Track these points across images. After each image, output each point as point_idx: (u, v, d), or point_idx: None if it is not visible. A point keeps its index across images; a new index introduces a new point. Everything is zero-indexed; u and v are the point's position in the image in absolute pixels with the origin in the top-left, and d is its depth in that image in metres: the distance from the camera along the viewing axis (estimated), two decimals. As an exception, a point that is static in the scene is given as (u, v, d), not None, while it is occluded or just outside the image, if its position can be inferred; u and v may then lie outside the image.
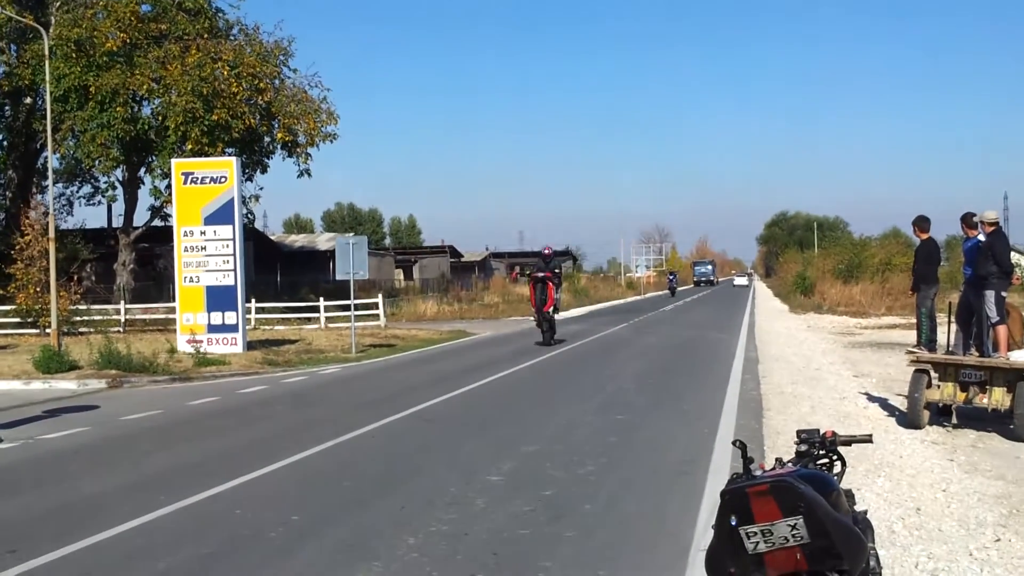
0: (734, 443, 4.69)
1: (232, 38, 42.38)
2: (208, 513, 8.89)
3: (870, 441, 5.24)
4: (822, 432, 4.79)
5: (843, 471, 4.80)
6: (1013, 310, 14.00)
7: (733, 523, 3.83)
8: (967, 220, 14.22)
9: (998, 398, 13.02)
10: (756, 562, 3.81)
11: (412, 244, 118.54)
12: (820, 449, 4.73)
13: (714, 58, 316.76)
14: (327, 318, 40.81)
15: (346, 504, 9.10)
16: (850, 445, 4.89)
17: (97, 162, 39.75)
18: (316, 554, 7.50)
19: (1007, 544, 7.65)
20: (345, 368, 23.74)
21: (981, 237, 13.91)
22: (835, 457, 4.79)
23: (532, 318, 29.92)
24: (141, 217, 44.00)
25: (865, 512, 4.82)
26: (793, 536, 3.74)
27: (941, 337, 15.33)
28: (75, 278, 34.81)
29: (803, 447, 4.72)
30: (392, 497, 9.37)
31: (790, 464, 4.52)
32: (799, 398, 16.08)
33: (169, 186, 36.01)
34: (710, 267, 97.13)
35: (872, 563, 4.45)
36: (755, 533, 3.78)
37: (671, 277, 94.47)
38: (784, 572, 3.82)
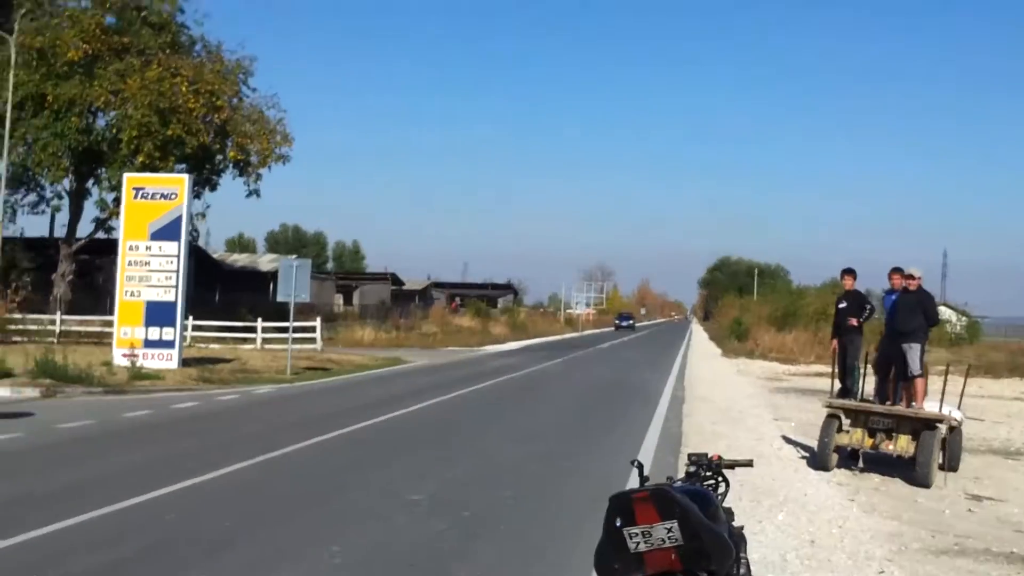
0: (632, 463, 5.25)
1: (195, 54, 42.50)
2: (141, 517, 9.22)
3: (751, 466, 5.85)
4: (710, 456, 5.38)
5: (727, 490, 5.37)
6: (924, 365, 14.68)
7: (618, 524, 4.35)
8: (896, 274, 14.85)
9: (903, 445, 13.68)
10: (637, 560, 4.33)
11: (354, 269, 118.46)
12: (707, 471, 5.31)
13: (668, 100, 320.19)
14: (264, 339, 40.89)
15: (273, 515, 9.49)
16: (733, 468, 5.47)
17: (47, 171, 39.57)
18: (244, 558, 7.90)
19: (889, 576, 8.22)
20: (279, 389, 24.02)
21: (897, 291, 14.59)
22: (720, 478, 5.36)
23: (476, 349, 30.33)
24: (84, 228, 43.89)
25: (741, 527, 5.38)
26: (669, 538, 4.26)
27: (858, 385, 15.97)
28: (13, 286, 34.69)
29: (692, 468, 5.30)
30: (318, 510, 9.78)
31: (679, 482, 5.07)
32: (718, 436, 16.66)
33: (116, 199, 36.15)
34: (630, 320, 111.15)
35: (743, 570, 5.01)
36: (636, 534, 4.30)
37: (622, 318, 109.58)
38: (660, 570, 4.33)
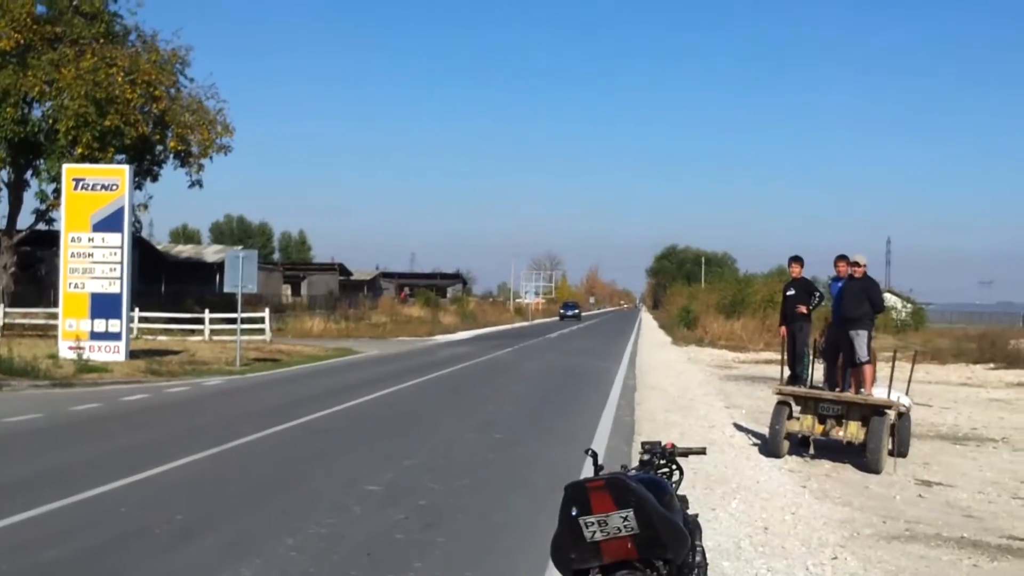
0: (586, 451, 5.27)
1: (129, 44, 41.95)
2: (94, 511, 9.15)
3: (704, 453, 5.91)
4: (663, 444, 5.40)
5: (680, 478, 5.40)
6: (871, 351, 14.84)
7: (574, 513, 4.37)
8: (840, 261, 14.98)
9: (853, 431, 13.83)
10: (593, 550, 4.35)
11: (301, 260, 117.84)
12: (660, 459, 5.33)
13: (612, 91, 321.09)
14: (212, 330, 40.59)
15: (229, 506, 9.44)
16: (687, 456, 5.52)
17: (-17, 162, 38.98)
18: (200, 550, 7.85)
19: (842, 562, 8.31)
20: (229, 380, 23.85)
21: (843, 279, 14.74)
22: (674, 466, 5.39)
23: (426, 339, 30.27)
24: (25, 220, 43.23)
25: (696, 515, 5.42)
26: (625, 527, 4.29)
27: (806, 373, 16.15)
28: (-47, 279, 34.16)
29: (646, 456, 5.32)
30: (274, 502, 9.74)
31: (633, 471, 5.09)
32: (670, 425, 16.77)
33: (56, 190, 35.68)
34: (576, 310, 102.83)
35: (699, 558, 5.05)
36: (592, 523, 4.32)
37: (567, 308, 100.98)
38: (617, 558, 4.36)
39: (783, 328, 16.55)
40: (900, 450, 14.28)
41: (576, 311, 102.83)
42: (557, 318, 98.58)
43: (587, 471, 11.61)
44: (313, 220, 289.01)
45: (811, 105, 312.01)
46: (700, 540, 5.21)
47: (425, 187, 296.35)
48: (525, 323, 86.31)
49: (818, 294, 16.49)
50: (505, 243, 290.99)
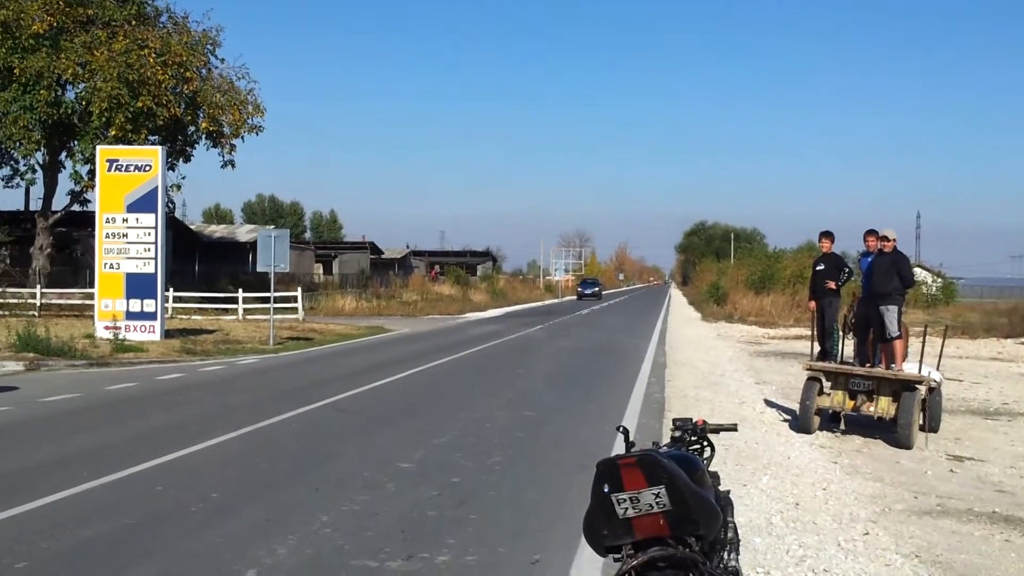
0: (618, 428, 5.32)
1: (160, 25, 42.19)
2: (130, 489, 9.28)
3: (735, 430, 5.94)
4: (694, 420, 5.44)
5: (712, 455, 5.44)
6: (903, 326, 14.79)
7: (606, 490, 4.41)
8: (870, 236, 14.91)
9: (884, 407, 13.82)
10: (626, 526, 4.39)
11: (333, 239, 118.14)
12: (692, 435, 5.37)
13: (642, 70, 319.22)
14: (245, 309, 40.91)
15: (263, 485, 9.55)
16: (718, 433, 5.55)
17: (18, 144, 39.33)
18: (234, 528, 7.96)
19: (874, 537, 8.34)
20: (263, 359, 24.05)
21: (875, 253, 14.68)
22: (705, 443, 5.43)
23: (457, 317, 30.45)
24: (60, 201, 43.65)
25: (728, 492, 5.45)
26: (657, 503, 4.32)
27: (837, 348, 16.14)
28: (-10, 260, 34.57)
29: (677, 433, 5.36)
30: (307, 480, 9.85)
31: (664, 447, 5.13)
32: (700, 401, 16.80)
33: (91, 171, 35.98)
34: (596, 287, 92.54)
35: (730, 534, 5.09)
36: (624, 500, 4.35)
37: (585, 285, 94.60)
38: (649, 536, 4.40)
39: (812, 303, 16.52)
40: (931, 425, 14.26)
41: (596, 289, 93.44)
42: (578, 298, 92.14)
43: (618, 448, 11.67)
44: (344, 199, 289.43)
45: (841, 84, 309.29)
46: (732, 516, 5.24)
47: (455, 165, 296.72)
48: (555, 300, 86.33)
49: (847, 269, 16.39)
50: (534, 221, 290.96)
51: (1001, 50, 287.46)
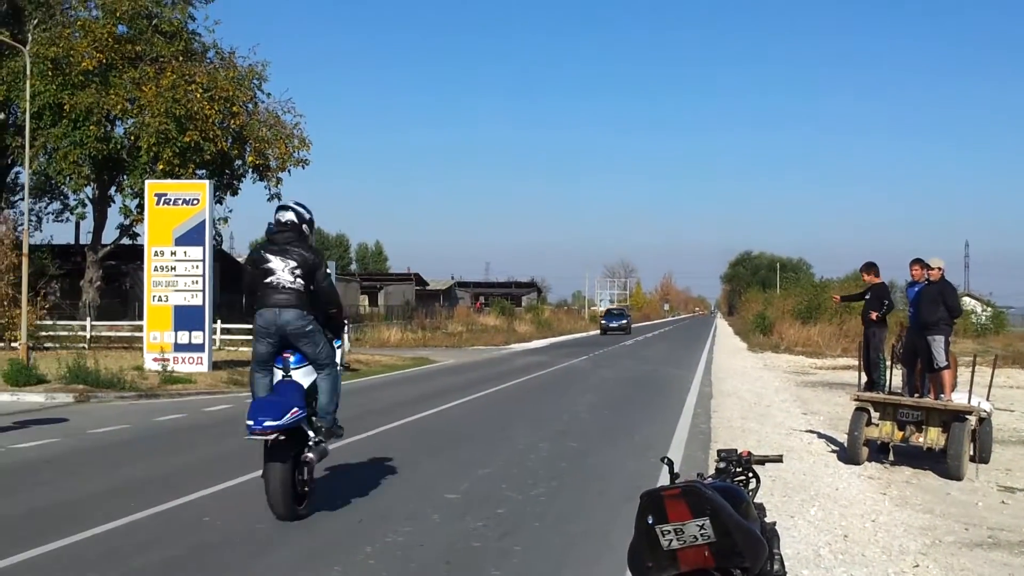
0: (662, 459, 5.31)
1: (207, 61, 42.76)
2: (177, 520, 9.35)
3: (780, 461, 5.89)
4: (739, 452, 5.42)
5: (757, 486, 5.41)
6: (951, 356, 14.65)
7: (650, 522, 4.40)
8: (916, 265, 14.82)
9: (933, 437, 13.68)
10: (670, 558, 4.37)
11: (378, 270, 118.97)
12: (737, 467, 5.35)
13: (681, 98, 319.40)
14: (291, 341, 41.05)
15: (308, 516, 9.58)
16: (763, 464, 5.52)
17: (68, 179, 39.94)
18: (279, 559, 7.99)
19: (924, 570, 8.24)
20: (308, 391, 24.11)
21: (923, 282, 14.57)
22: (751, 474, 5.40)
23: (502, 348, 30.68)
24: (109, 235, 44.20)
25: (774, 523, 5.42)
26: (701, 535, 4.31)
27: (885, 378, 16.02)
28: (42, 293, 34.99)
29: (722, 464, 5.34)
30: (352, 511, 9.87)
31: (709, 479, 5.11)
32: (747, 432, 16.67)
33: (139, 205, 36.44)
34: (623, 319, 75.98)
35: (776, 567, 5.06)
36: (669, 531, 4.34)
37: (611, 318, 78.83)
38: (694, 568, 4.38)
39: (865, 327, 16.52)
40: (982, 456, 14.09)
41: (623, 321, 77.22)
42: (636, 324, 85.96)
43: (664, 479, 11.63)
44: (389, 231, 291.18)
45: (883, 109, 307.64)
46: (778, 548, 5.21)
47: (499, 196, 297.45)
48: (600, 331, 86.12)
49: (888, 302, 16.41)
50: (579, 251, 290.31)
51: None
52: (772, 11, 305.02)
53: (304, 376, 9.45)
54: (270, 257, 9.25)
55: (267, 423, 8.81)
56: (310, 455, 9.30)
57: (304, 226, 9.43)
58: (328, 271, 9.63)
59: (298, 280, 9.16)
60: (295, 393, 9.23)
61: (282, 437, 8.95)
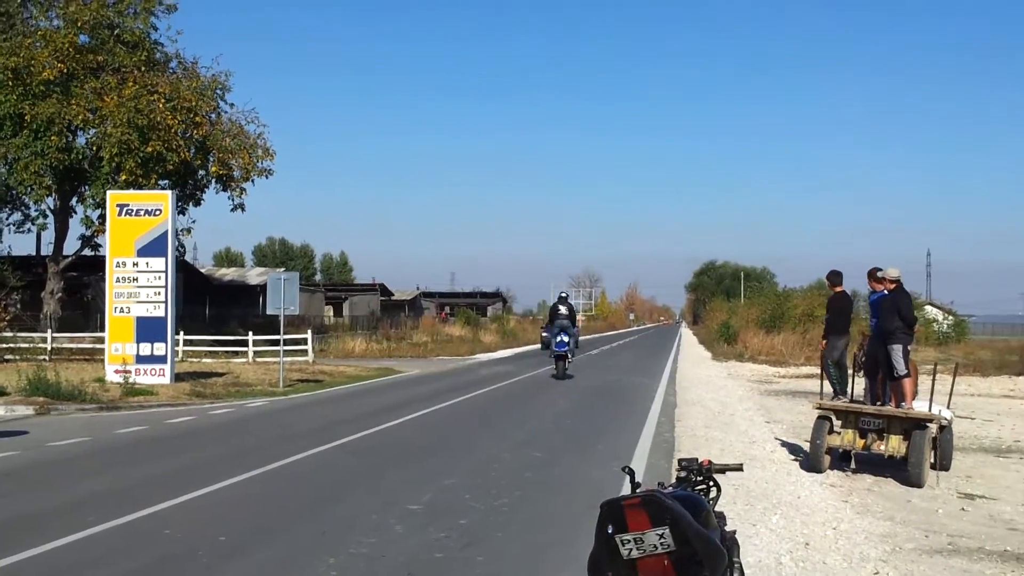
0: (623, 469, 5.32)
1: (170, 71, 42.48)
2: (139, 532, 9.28)
3: (741, 470, 5.92)
4: (700, 460, 5.44)
5: (718, 495, 5.43)
6: (911, 364, 14.76)
7: (610, 531, 4.40)
8: (872, 275, 14.95)
9: (895, 445, 13.76)
10: (630, 567, 4.38)
11: (343, 281, 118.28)
12: (698, 475, 5.37)
13: (650, 110, 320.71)
14: (255, 352, 40.90)
15: (271, 528, 9.54)
16: (724, 472, 5.54)
17: (29, 190, 39.53)
18: (242, 570, 7.96)
19: (883, 577, 8.30)
20: (272, 401, 24.05)
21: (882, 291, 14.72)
22: (711, 483, 5.42)
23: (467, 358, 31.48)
24: (71, 246, 43.77)
25: (734, 532, 5.44)
26: (661, 544, 4.32)
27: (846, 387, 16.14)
28: (2, 305, 34.65)
29: (683, 473, 5.36)
30: (315, 522, 9.83)
31: (670, 488, 5.13)
32: (711, 441, 16.74)
33: (101, 216, 36.15)
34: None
35: (736, 575, 5.07)
36: (629, 541, 4.35)
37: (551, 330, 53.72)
38: None
39: (823, 341, 16.70)
40: (942, 463, 14.21)
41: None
42: (600, 334, 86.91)
43: (627, 489, 11.64)
44: (354, 242, 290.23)
45: (849, 118, 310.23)
46: (738, 557, 5.22)
47: (464, 207, 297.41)
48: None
49: (848, 309, 16.85)
50: (544, 262, 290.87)
51: (1018, 83, 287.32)
52: (732, 17, 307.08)
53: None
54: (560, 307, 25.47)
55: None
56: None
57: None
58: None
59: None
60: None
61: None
